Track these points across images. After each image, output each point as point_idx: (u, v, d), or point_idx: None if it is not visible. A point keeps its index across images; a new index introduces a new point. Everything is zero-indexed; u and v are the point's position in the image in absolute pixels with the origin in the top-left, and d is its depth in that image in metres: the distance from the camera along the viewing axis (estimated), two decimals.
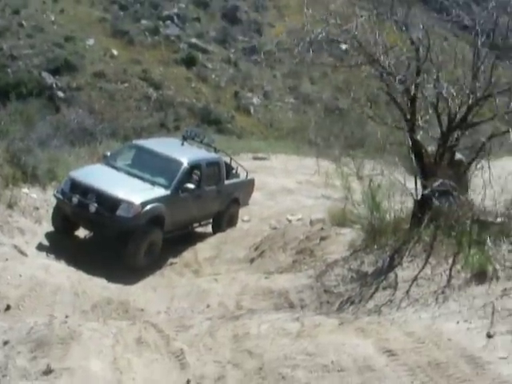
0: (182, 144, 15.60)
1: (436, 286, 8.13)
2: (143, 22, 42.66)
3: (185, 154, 14.80)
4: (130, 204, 12.82)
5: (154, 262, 13.37)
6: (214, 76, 41.29)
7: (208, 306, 9.85)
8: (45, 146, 18.00)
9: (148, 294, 10.98)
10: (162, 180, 13.79)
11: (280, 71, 39.37)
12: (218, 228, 15.89)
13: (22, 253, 12.42)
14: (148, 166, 14.17)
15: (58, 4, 41.74)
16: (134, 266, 12.84)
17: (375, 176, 10.84)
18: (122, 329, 8.05)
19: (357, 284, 9.36)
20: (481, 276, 7.89)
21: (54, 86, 37.80)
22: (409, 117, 10.08)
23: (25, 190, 15.18)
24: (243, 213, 17.88)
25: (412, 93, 9.80)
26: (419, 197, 10.03)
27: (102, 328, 8.10)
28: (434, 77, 9.81)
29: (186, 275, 13.34)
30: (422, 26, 9.82)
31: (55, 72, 38.17)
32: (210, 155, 15.75)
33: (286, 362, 6.58)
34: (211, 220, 16.02)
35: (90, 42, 40.24)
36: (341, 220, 12.02)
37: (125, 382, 6.58)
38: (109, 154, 14.99)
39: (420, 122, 10.16)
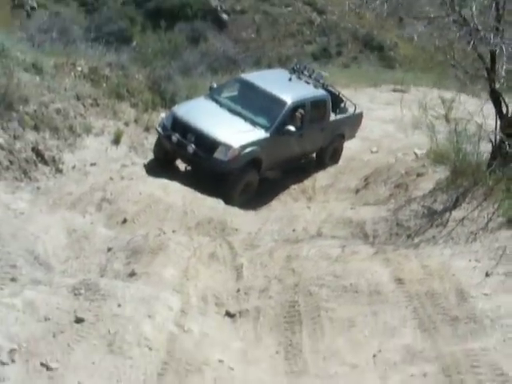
0: (290, 79, 15.26)
1: (475, 227, 9.11)
2: None
3: (290, 91, 14.60)
4: (227, 147, 13.02)
5: (249, 200, 13.84)
6: (378, 2, 41.37)
7: (294, 230, 11.21)
8: (188, 73, 19.70)
9: (248, 216, 12.46)
10: (263, 120, 13.82)
11: None
12: (320, 162, 16.25)
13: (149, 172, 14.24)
14: (251, 102, 14.15)
15: None
16: (230, 203, 13.01)
17: (463, 119, 11.55)
18: (202, 244, 9.72)
19: (424, 220, 10.42)
20: None
21: (219, 8, 39.37)
22: (489, 66, 10.79)
23: (162, 114, 16.57)
24: (372, 144, 18.95)
25: (491, 42, 10.46)
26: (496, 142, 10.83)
27: (187, 242, 9.81)
28: None
29: (300, 200, 14.77)
30: None
31: None
32: (317, 92, 15.30)
33: (316, 281, 8.02)
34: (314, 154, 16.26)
35: None
36: (443, 157, 12.67)
37: (187, 287, 8.25)
38: (215, 86, 15.15)
39: (502, 72, 10.78)
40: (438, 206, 10.59)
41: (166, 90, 17.46)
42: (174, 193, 12.77)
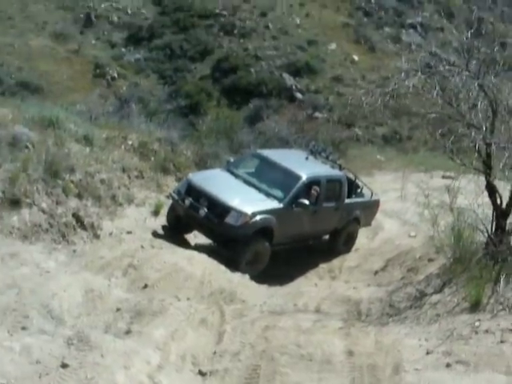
0: (307, 158, 16.14)
1: (443, 310, 10.14)
2: (386, 29, 44.95)
3: (306, 168, 15.39)
4: (239, 213, 13.67)
5: (259, 272, 14.42)
6: (455, 87, 42.46)
7: (295, 305, 12.37)
8: (238, 151, 21.20)
9: (260, 289, 13.58)
10: (277, 192, 14.51)
11: None
12: (333, 245, 16.80)
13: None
14: (267, 176, 14.96)
15: (303, 8, 45.22)
16: (236, 270, 13.64)
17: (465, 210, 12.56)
18: (197, 310, 10.95)
19: (414, 303, 11.44)
20: (474, 307, 9.79)
21: (294, 87, 41.04)
22: (485, 160, 11.89)
23: None
24: (412, 228, 19.88)
25: (487, 139, 11.59)
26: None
27: (186, 308, 11.04)
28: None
29: (324, 279, 15.86)
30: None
31: (295, 74, 41.35)
32: (333, 172, 16.12)
33: (280, 349, 9.19)
34: (327, 236, 16.80)
35: (332, 46, 43.23)
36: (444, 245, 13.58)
37: (170, 345, 9.49)
38: (232, 160, 16.30)
39: (500, 165, 11.82)
40: (429, 290, 11.57)
41: (211, 167, 18.79)
42: (197, 264, 13.77)
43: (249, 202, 14.12)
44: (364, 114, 41.70)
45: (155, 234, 15.48)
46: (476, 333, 9.13)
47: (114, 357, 8.65)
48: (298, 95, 40.93)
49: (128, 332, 9.91)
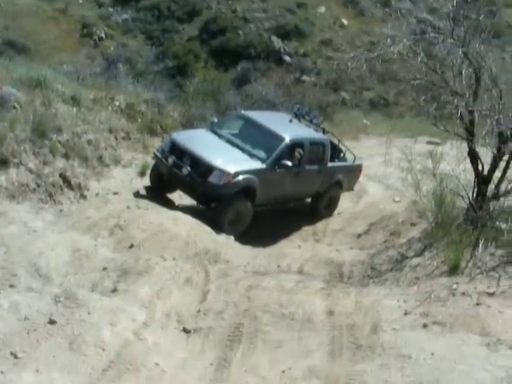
0: (291, 121, 16.20)
1: (422, 273, 10.44)
2: None
3: (289, 130, 15.47)
4: (222, 172, 13.77)
5: (241, 232, 14.57)
6: (440, 54, 42.48)
7: (278, 266, 12.63)
8: (225, 113, 21.28)
9: (244, 250, 13.80)
10: (260, 153, 14.60)
11: (510, 53, 39.75)
12: (314, 208, 16.95)
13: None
14: (250, 137, 15.02)
15: None
16: (219, 230, 13.81)
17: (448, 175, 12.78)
18: (183, 269, 11.17)
19: (395, 265, 11.71)
20: (453, 271, 10.08)
21: (282, 50, 40.97)
22: (468, 127, 12.09)
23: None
24: (396, 193, 20.10)
25: (470, 107, 11.77)
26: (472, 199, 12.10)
27: (172, 267, 11.26)
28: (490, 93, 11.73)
29: (308, 241, 16.08)
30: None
31: (284, 37, 41.25)
32: (316, 135, 16.19)
33: (263, 308, 9.46)
34: (310, 200, 16.90)
35: (322, 9, 43.10)
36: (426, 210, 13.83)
37: (156, 304, 9.72)
38: (216, 120, 16.31)
39: (483, 132, 12.02)
40: (410, 253, 11.85)
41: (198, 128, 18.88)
42: (182, 224, 13.92)
43: (232, 161, 14.21)
44: (351, 78, 42.06)
45: (140, 195, 15.58)
46: (453, 295, 9.42)
47: (100, 314, 8.88)
48: (286, 58, 40.83)
49: (114, 290, 10.12)
